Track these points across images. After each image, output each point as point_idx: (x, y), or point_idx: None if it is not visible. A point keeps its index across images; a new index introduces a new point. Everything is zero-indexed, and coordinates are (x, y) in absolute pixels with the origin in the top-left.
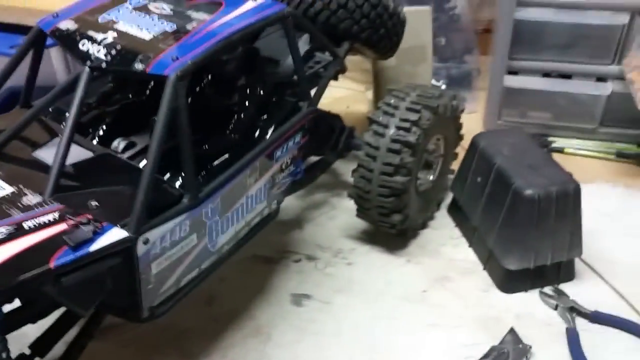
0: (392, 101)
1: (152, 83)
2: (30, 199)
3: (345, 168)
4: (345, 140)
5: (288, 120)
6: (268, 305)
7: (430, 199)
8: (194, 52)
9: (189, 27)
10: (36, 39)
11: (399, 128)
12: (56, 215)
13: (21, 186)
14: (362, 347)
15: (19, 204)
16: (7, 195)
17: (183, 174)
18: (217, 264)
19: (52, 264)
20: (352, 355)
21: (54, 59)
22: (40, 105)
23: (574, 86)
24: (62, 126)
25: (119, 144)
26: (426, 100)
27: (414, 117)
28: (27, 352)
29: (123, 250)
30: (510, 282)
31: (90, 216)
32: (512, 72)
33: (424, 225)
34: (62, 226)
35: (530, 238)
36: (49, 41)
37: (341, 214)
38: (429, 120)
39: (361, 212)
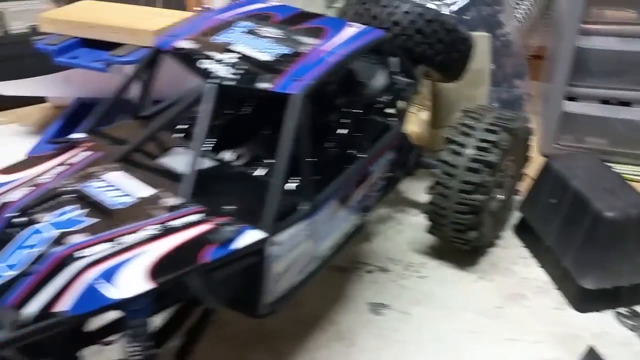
0: (468, 122)
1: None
2: (171, 200)
3: (405, 186)
4: (414, 158)
5: (381, 138)
6: (347, 312)
7: (499, 218)
8: (313, 72)
9: (303, 49)
10: (153, 57)
11: (478, 148)
12: (198, 216)
13: (160, 189)
14: (445, 358)
15: (162, 205)
16: (149, 196)
17: (301, 183)
18: (319, 269)
19: (204, 259)
20: None
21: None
22: (167, 119)
23: (634, 113)
24: (172, 136)
25: (227, 154)
26: (505, 122)
27: (493, 137)
28: None
29: (257, 250)
30: (585, 301)
31: (229, 218)
32: (571, 98)
33: (492, 244)
34: (207, 226)
35: (610, 259)
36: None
37: (408, 229)
38: (507, 142)
39: (434, 229)
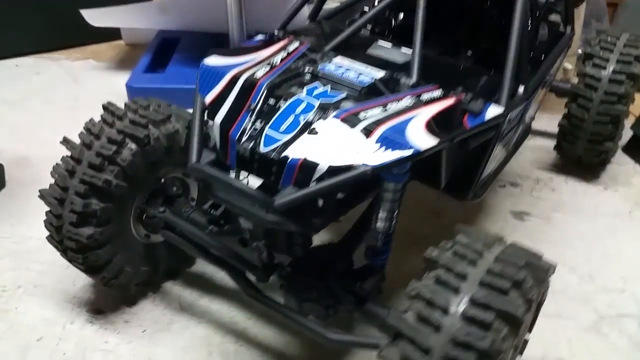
0: (609, 38)
1: None
2: (406, 80)
3: None
4: None
5: (555, 45)
6: (493, 219)
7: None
8: None
9: None
10: None
11: (621, 61)
12: (439, 92)
13: (388, 71)
14: (595, 252)
15: (400, 84)
16: (384, 76)
17: (520, 69)
18: (505, 163)
19: (466, 125)
20: (589, 259)
21: None
22: (368, 17)
23: None
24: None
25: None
26: None
27: (635, 52)
28: None
29: (495, 125)
30: None
31: (468, 95)
32: None
33: (609, 160)
34: (451, 100)
35: None
36: None
37: (526, 151)
38: None
39: (566, 142)
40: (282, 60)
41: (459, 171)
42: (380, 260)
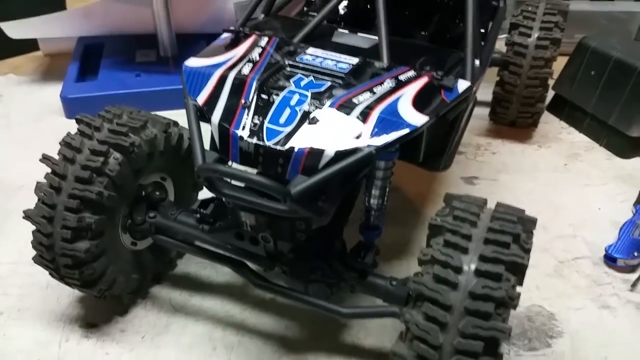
0: (529, 8)
1: None
2: (378, 64)
3: None
4: None
5: (492, 19)
6: (447, 186)
7: None
8: None
9: None
10: None
11: (543, 29)
12: (412, 72)
13: (361, 58)
14: (542, 205)
15: (375, 67)
16: (359, 62)
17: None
18: (463, 133)
19: (446, 100)
20: (539, 211)
21: None
22: (330, 7)
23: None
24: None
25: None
26: (558, 5)
27: (554, 18)
28: None
29: (465, 97)
30: (630, 149)
31: (439, 73)
32: None
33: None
34: (425, 79)
35: None
36: None
37: None
38: (564, 23)
39: (501, 108)
40: (260, 55)
41: (431, 144)
42: (375, 235)
